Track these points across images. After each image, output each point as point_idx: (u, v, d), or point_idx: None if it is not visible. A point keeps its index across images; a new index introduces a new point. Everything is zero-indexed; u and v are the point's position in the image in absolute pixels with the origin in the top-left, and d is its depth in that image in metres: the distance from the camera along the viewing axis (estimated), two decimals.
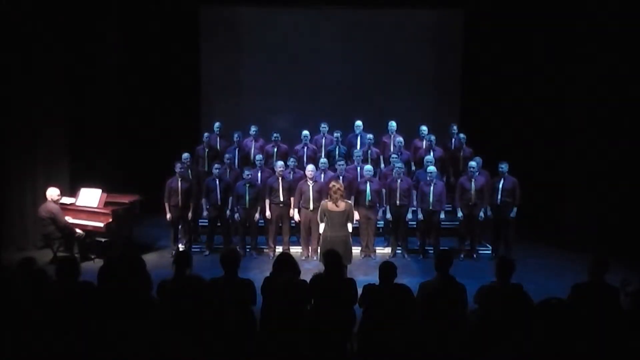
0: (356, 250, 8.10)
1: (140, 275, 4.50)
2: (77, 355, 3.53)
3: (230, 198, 8.47)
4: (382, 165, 9.45)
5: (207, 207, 8.54)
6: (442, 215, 8.44)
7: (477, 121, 10.54)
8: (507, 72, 10.33)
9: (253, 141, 9.74)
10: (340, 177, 8.15)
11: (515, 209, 8.32)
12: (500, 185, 8.30)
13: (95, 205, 8.17)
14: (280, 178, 8.35)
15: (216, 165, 8.46)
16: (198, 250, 8.60)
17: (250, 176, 8.30)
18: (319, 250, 7.28)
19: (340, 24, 11.14)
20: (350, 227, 6.94)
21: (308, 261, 8.17)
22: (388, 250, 8.74)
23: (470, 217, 8.39)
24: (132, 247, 8.35)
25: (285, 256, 4.96)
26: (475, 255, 8.55)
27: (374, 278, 4.79)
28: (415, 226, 8.68)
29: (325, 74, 11.10)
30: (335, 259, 4.90)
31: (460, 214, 8.46)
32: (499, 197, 8.31)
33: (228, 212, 8.49)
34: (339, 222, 6.74)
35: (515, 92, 10.28)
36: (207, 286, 4.48)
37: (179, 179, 8.33)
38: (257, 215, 8.44)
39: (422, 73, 11.26)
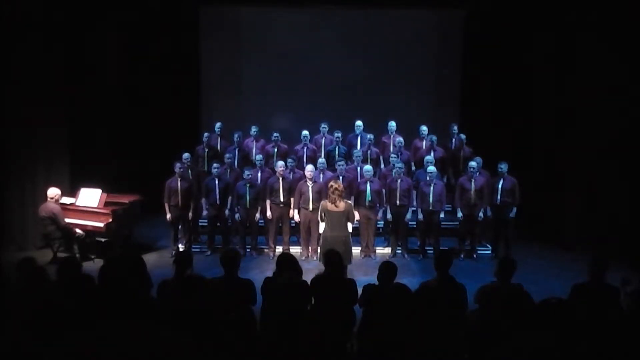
0: (356, 250, 8.11)
1: (140, 275, 4.49)
2: (76, 355, 3.53)
3: (230, 198, 8.47)
4: (382, 165, 9.45)
5: (206, 207, 8.54)
6: (442, 215, 8.44)
7: (477, 121, 10.54)
8: (507, 72, 10.33)
9: (254, 141, 9.74)
10: (340, 177, 8.16)
11: (515, 209, 8.33)
12: (500, 186, 8.31)
13: (95, 205, 8.17)
14: (280, 178, 8.35)
15: (215, 165, 8.46)
16: (198, 250, 8.60)
17: (250, 176, 8.30)
18: (318, 251, 7.28)
19: (340, 24, 11.14)
20: (350, 227, 6.95)
21: (308, 261, 8.17)
22: (388, 250, 8.74)
23: (470, 217, 8.39)
24: (132, 247, 8.35)
25: (287, 256, 4.96)
26: (475, 255, 8.55)
27: (374, 278, 4.79)
28: (415, 226, 8.68)
29: (325, 74, 11.10)
30: (335, 259, 4.90)
31: (460, 214, 8.46)
32: (499, 197, 8.32)
33: (227, 211, 8.49)
34: (339, 222, 6.75)
35: (515, 92, 10.28)
36: (207, 286, 4.48)
37: (179, 179, 8.33)
38: (257, 215, 8.45)
39: (422, 73, 11.26)
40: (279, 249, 8.33)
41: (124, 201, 8.51)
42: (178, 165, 8.43)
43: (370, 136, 9.52)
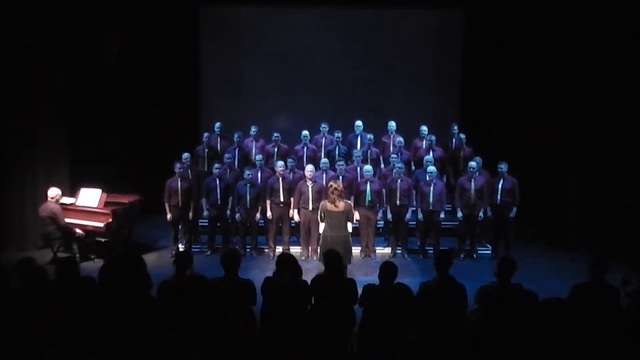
0: (356, 250, 8.11)
1: (140, 275, 4.50)
2: (76, 355, 3.53)
3: (230, 198, 8.47)
4: (382, 165, 9.45)
5: (207, 207, 8.54)
6: (442, 215, 8.44)
7: (477, 121, 10.54)
8: (507, 72, 10.33)
9: (254, 141, 9.74)
10: (340, 177, 8.16)
11: (515, 209, 8.33)
12: (500, 186, 8.31)
13: (95, 205, 8.17)
14: (280, 178, 8.35)
15: (216, 165, 8.46)
16: (198, 250, 8.60)
17: (250, 176, 8.30)
18: (318, 251, 7.28)
19: (340, 24, 11.14)
20: (350, 227, 6.94)
21: (308, 261, 8.17)
22: (388, 250, 8.74)
23: (470, 217, 8.39)
24: (132, 247, 8.35)
25: (287, 256, 4.97)
26: (475, 255, 8.55)
27: (374, 278, 4.79)
28: (415, 226, 8.68)
29: (325, 74, 11.09)
30: (335, 259, 4.90)
31: (460, 214, 8.46)
32: (499, 197, 8.32)
33: (228, 212, 8.49)
34: (339, 222, 6.74)
35: (516, 92, 10.28)
36: (207, 286, 4.48)
37: (179, 179, 8.33)
38: (257, 215, 8.45)
39: (422, 73, 11.26)
40: (279, 249, 8.33)
41: (124, 201, 8.51)
42: (178, 165, 8.43)
43: (370, 136, 9.52)
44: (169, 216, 8.46)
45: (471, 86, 10.98)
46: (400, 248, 8.59)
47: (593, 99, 8.81)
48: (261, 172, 8.75)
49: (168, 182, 8.40)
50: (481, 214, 8.38)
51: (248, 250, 8.59)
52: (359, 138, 9.81)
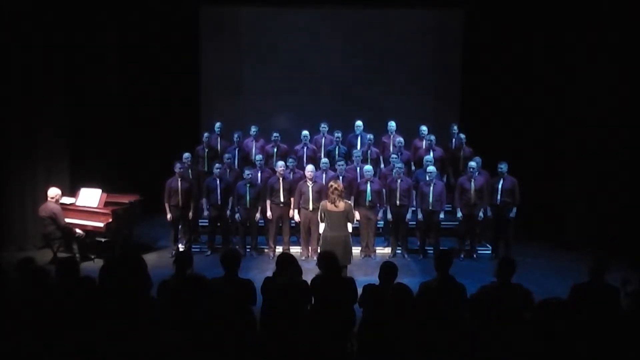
0: (356, 250, 8.11)
1: (140, 275, 4.50)
2: (76, 355, 3.53)
3: (230, 198, 8.47)
4: (382, 165, 9.45)
5: (207, 207, 8.54)
6: (442, 215, 8.44)
7: (477, 121, 10.55)
8: (507, 72, 10.33)
9: (253, 141, 9.74)
10: (340, 177, 8.16)
11: (515, 209, 8.33)
12: (500, 186, 8.31)
13: (95, 205, 8.17)
14: (280, 178, 8.35)
15: (217, 165, 8.46)
16: (198, 250, 8.61)
17: (250, 176, 8.30)
18: (318, 250, 7.28)
19: (340, 24, 11.14)
20: (350, 227, 6.94)
21: (308, 261, 8.16)
22: (388, 250, 8.74)
23: (470, 217, 8.39)
24: (132, 247, 8.35)
25: (287, 256, 4.96)
26: (475, 255, 8.55)
27: (374, 278, 4.79)
28: (415, 226, 8.68)
29: (325, 74, 11.09)
30: (330, 260, 4.87)
31: (460, 214, 8.46)
32: (499, 197, 8.32)
33: (228, 212, 8.50)
34: (339, 222, 6.74)
35: (515, 92, 10.28)
36: (207, 286, 4.49)
37: (179, 179, 8.34)
38: (257, 215, 8.45)
39: (422, 73, 11.25)
40: (279, 249, 8.33)
41: (124, 201, 8.51)
42: (178, 165, 8.43)
43: (370, 136, 9.52)
44: (169, 216, 8.46)
45: (471, 86, 10.98)
46: (400, 248, 8.59)
47: (593, 99, 8.80)
48: (261, 172, 8.76)
49: (168, 182, 8.40)
50: (481, 214, 8.38)
51: (248, 250, 8.59)
52: (359, 138, 9.81)
